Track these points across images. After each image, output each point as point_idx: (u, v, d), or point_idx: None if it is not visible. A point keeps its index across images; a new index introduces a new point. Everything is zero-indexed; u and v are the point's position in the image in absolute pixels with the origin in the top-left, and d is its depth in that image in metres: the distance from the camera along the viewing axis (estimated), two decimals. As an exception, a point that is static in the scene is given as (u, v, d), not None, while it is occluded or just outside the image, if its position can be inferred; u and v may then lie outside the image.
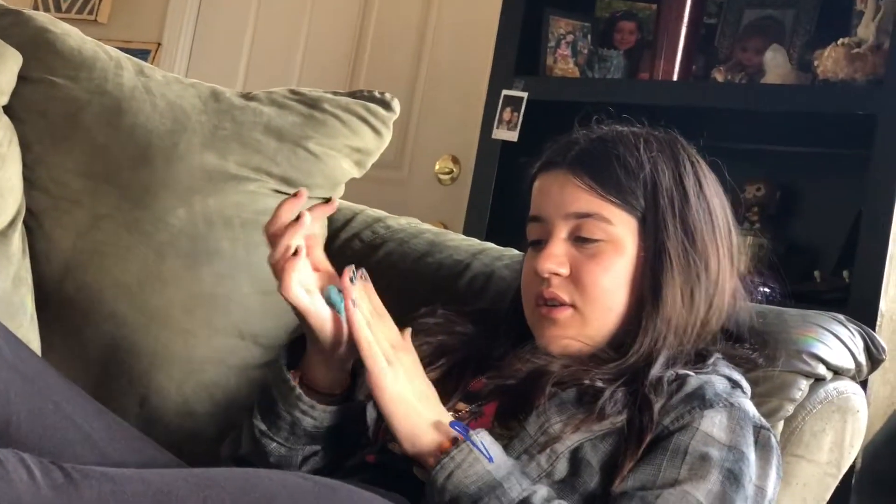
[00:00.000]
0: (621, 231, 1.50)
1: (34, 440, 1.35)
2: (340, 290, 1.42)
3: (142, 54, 3.98)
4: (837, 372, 1.62)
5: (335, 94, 2.02)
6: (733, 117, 2.93)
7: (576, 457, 1.39)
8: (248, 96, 2.00)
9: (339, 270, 1.45)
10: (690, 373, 1.45)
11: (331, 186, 1.97)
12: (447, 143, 3.66)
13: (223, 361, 1.84)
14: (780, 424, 1.57)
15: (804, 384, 1.58)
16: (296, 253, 1.41)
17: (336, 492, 1.25)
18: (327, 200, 1.49)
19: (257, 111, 1.95)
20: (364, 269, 1.42)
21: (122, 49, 2.05)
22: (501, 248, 1.97)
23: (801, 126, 2.86)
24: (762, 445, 1.42)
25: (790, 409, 1.57)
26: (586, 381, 1.43)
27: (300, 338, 1.53)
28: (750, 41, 2.98)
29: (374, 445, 1.50)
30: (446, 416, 1.39)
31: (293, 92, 2.01)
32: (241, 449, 1.56)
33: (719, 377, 1.46)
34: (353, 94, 2.03)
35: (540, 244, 1.53)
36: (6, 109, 1.90)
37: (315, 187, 1.94)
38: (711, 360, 1.48)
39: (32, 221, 1.88)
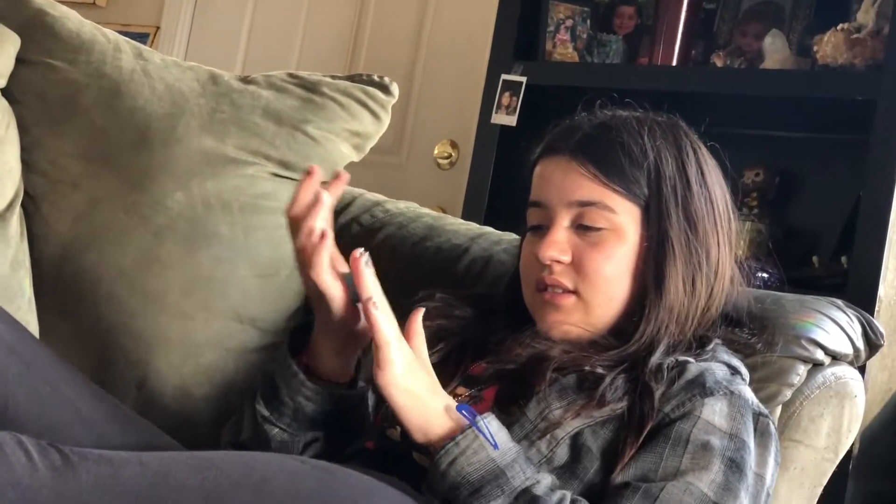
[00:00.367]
0: (624, 219, 1.49)
1: (32, 422, 1.35)
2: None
3: (140, 38, 3.97)
4: (835, 357, 1.62)
5: (334, 77, 2.02)
6: (732, 102, 2.92)
7: (576, 443, 1.39)
8: (246, 80, 1.99)
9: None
10: (690, 359, 1.45)
11: (329, 170, 1.96)
12: (446, 127, 3.65)
13: (221, 345, 1.84)
14: (778, 409, 1.57)
15: (802, 369, 1.58)
16: (322, 236, 1.39)
17: (334, 474, 1.25)
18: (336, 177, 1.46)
19: (256, 95, 1.95)
20: (368, 254, 1.41)
21: (120, 33, 2.05)
22: (500, 232, 1.97)
23: (801, 111, 2.86)
24: (761, 433, 1.42)
25: (788, 394, 1.57)
26: (587, 368, 1.43)
27: (304, 325, 1.53)
28: (749, 26, 2.97)
29: (372, 432, 1.50)
30: (452, 403, 1.38)
31: (292, 75, 2.01)
32: (242, 434, 1.55)
33: (719, 364, 1.46)
34: (351, 78, 2.03)
35: (540, 229, 1.53)
36: (4, 92, 1.90)
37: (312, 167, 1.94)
38: (711, 347, 1.48)
39: (30, 204, 1.88)
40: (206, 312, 1.83)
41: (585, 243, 1.49)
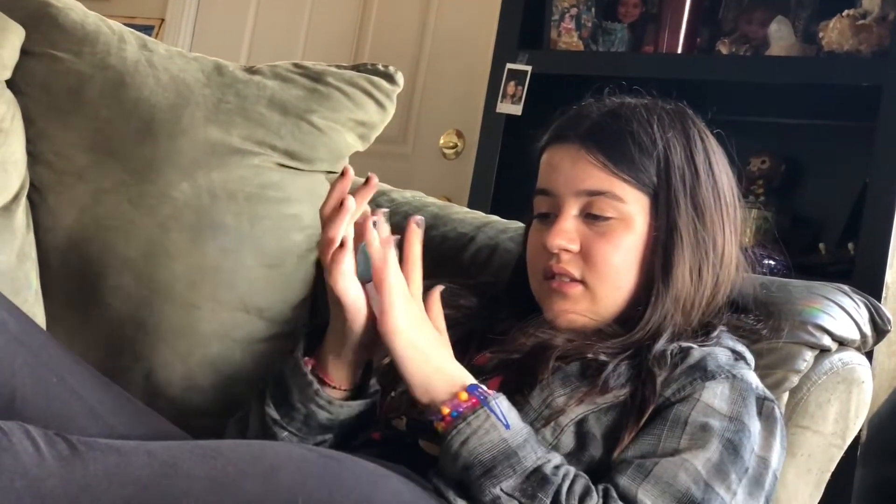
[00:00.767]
0: (633, 209, 1.49)
1: (39, 413, 1.35)
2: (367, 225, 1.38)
3: (145, 30, 3.97)
4: (843, 343, 1.62)
5: (339, 67, 2.02)
6: (738, 90, 2.92)
7: (581, 430, 1.39)
8: (251, 70, 1.99)
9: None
10: (694, 345, 1.45)
11: (334, 160, 1.97)
12: (451, 117, 3.65)
13: (228, 335, 1.84)
14: (786, 396, 1.57)
15: (809, 355, 1.58)
16: (342, 245, 1.38)
17: (341, 462, 1.25)
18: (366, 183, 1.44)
19: (261, 85, 1.95)
20: (421, 218, 1.40)
21: (125, 25, 2.05)
22: (506, 220, 1.97)
23: (806, 98, 2.85)
24: (766, 417, 1.42)
25: (795, 380, 1.57)
26: (590, 355, 1.43)
27: (314, 329, 1.52)
28: (754, 13, 2.96)
29: (378, 422, 1.50)
30: (459, 367, 1.38)
31: (297, 65, 2.01)
32: (248, 432, 1.54)
33: (722, 349, 1.46)
34: (356, 68, 2.02)
35: (547, 217, 1.53)
36: (9, 84, 1.90)
37: (318, 161, 1.94)
38: (716, 333, 1.48)
39: (36, 196, 1.88)
40: (213, 303, 1.83)
41: (594, 232, 1.49)
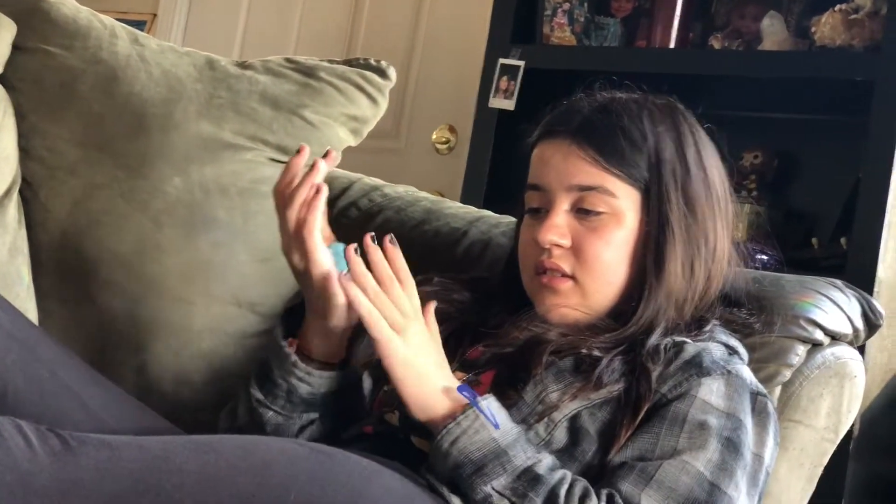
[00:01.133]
0: (624, 204, 1.49)
1: (31, 408, 1.35)
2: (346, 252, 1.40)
3: (137, 25, 3.96)
4: (835, 337, 1.62)
5: (331, 62, 2.01)
6: (731, 84, 2.92)
7: (574, 425, 1.39)
8: (243, 65, 1.99)
9: (339, 240, 1.45)
10: (688, 339, 1.45)
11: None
12: (444, 112, 3.65)
13: (220, 329, 1.84)
14: (778, 390, 1.57)
15: (801, 350, 1.58)
16: (318, 192, 1.41)
17: (333, 457, 1.25)
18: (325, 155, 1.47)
19: (253, 80, 1.95)
20: (392, 235, 1.41)
21: (117, 20, 2.04)
22: (498, 215, 1.97)
23: (799, 93, 2.85)
24: (759, 412, 1.42)
25: (787, 374, 1.57)
26: (583, 350, 1.43)
27: (297, 307, 1.53)
28: (747, 8, 2.97)
29: (370, 416, 1.50)
30: (455, 383, 1.38)
31: (289, 60, 2.01)
32: (238, 420, 1.56)
33: (716, 344, 1.46)
34: (349, 63, 2.02)
35: (539, 212, 1.53)
36: (1, 79, 1.90)
37: (311, 156, 1.94)
38: (709, 327, 1.48)
39: (28, 191, 1.88)
40: (206, 297, 1.83)
41: (585, 228, 1.49)
